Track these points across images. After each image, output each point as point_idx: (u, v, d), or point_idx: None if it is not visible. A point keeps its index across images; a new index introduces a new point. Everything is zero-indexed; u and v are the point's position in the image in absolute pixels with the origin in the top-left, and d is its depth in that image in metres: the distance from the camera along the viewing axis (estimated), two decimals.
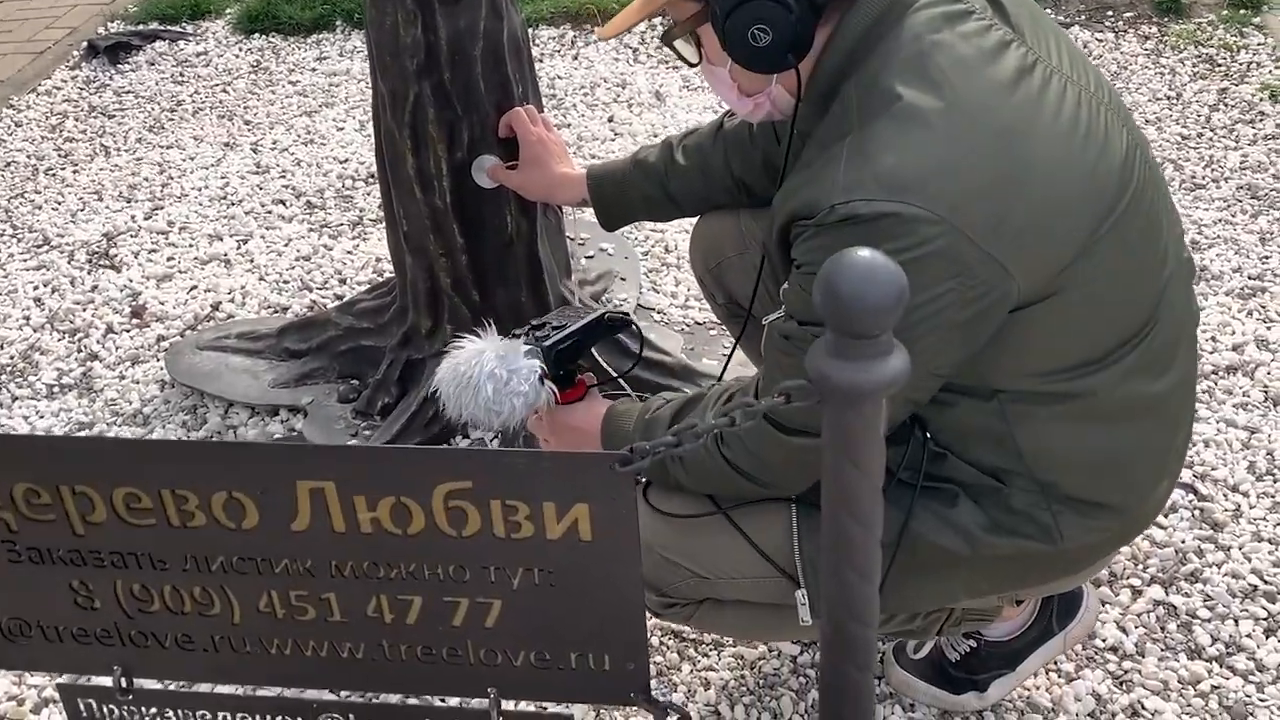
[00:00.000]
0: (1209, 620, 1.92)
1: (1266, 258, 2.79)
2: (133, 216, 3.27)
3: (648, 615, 1.35)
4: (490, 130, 2.02)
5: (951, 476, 1.44)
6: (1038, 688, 1.82)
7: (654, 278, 2.84)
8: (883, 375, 1.12)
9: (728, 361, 1.64)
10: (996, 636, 1.78)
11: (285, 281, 2.90)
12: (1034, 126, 1.30)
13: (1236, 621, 1.91)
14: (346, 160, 3.49)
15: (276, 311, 2.79)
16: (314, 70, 4.10)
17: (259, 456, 1.19)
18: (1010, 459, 1.41)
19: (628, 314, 1.60)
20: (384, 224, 2.24)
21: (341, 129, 3.69)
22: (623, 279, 2.72)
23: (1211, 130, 3.36)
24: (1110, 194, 1.34)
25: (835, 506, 1.19)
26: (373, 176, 3.39)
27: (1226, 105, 3.48)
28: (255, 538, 1.18)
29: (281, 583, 1.21)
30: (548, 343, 1.50)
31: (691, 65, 1.50)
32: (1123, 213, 1.35)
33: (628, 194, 1.90)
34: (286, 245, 3.07)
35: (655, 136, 3.55)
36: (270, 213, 3.24)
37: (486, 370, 1.45)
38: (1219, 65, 3.71)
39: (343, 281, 2.89)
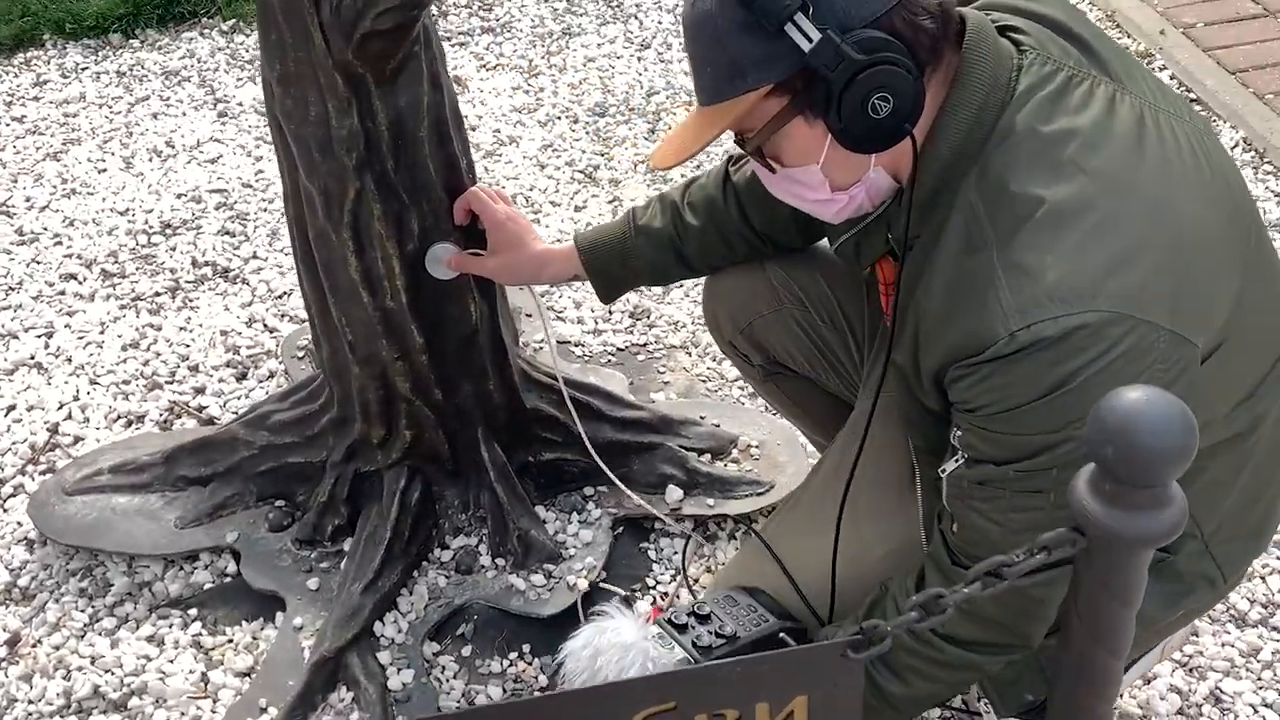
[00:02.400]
0: None
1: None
2: None
3: None
4: (443, 216, 1.75)
5: None
6: (1121, 696, 1.81)
7: (548, 301, 2.61)
8: (1168, 522, 1.06)
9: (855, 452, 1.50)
10: None
11: (125, 382, 2.47)
12: (1170, 181, 1.23)
13: (1263, 579, 1.97)
14: (128, 210, 3.01)
15: (134, 424, 2.37)
16: (37, 100, 3.52)
17: None
18: None
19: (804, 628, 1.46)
20: (312, 339, 1.91)
21: (103, 170, 3.18)
22: (528, 315, 2.49)
23: None
24: (1243, 231, 1.30)
25: (1091, 642, 1.16)
26: (169, 227, 2.95)
27: None
28: None
29: None
30: (714, 656, 1.33)
31: (772, 172, 1.31)
32: (1255, 245, 1.31)
33: (631, 264, 1.70)
34: (103, 333, 2.62)
35: (473, 129, 3.26)
36: (64, 293, 2.75)
37: (629, 674, 1.30)
38: None
39: (194, 369, 2.50)
